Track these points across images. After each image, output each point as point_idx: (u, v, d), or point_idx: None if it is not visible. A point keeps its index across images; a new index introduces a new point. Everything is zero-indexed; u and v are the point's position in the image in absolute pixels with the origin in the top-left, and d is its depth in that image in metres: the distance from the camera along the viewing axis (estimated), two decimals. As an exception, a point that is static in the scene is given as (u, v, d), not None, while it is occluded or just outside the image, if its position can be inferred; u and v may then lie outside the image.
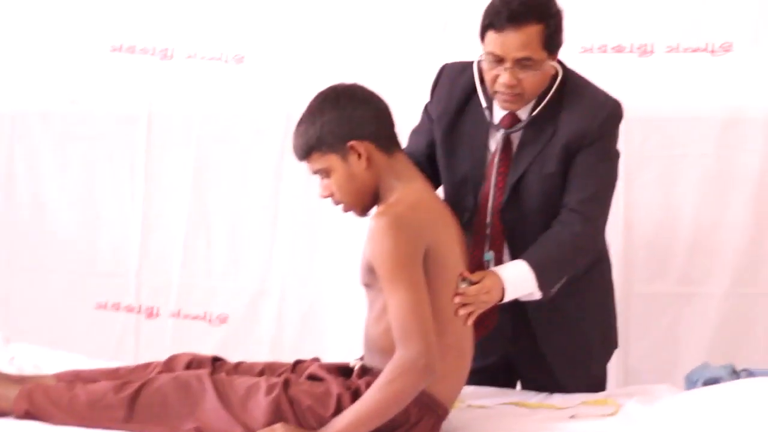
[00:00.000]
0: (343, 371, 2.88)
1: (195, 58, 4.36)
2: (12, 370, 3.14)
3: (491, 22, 2.89)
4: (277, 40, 4.28)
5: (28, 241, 4.49)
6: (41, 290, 4.45)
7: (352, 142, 2.79)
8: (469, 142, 3.06)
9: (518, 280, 2.89)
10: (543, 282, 2.91)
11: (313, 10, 4.25)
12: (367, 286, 2.84)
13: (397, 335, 2.67)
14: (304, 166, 2.90)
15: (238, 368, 2.95)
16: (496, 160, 3.02)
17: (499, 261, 3.01)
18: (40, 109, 4.46)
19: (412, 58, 4.09)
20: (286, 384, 2.74)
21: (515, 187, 3.00)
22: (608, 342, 3.30)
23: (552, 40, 2.91)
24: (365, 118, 2.81)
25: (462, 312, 2.79)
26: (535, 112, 2.99)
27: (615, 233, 3.85)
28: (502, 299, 2.88)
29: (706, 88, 3.95)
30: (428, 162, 3.14)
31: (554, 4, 2.94)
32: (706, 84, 3.95)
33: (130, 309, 4.43)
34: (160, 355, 3.04)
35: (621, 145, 3.11)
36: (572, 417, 2.95)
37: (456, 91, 3.08)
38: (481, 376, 3.13)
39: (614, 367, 3.66)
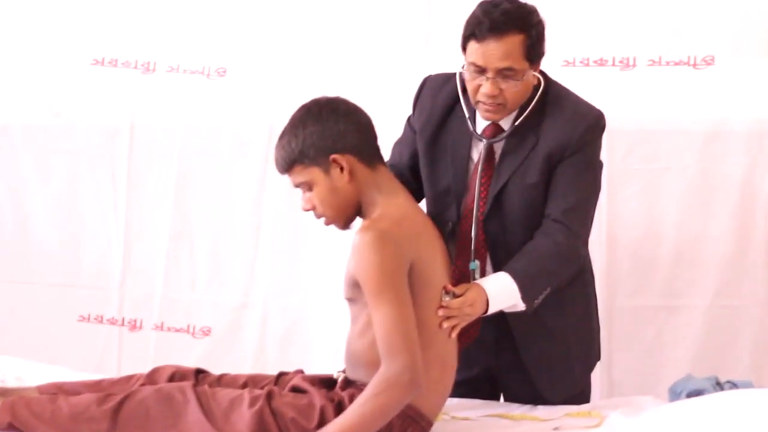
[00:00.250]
0: (327, 383, 2.88)
1: (177, 71, 4.35)
2: (-6, 382, 3.13)
3: (473, 32, 2.88)
4: (260, 52, 4.28)
5: (10, 254, 4.46)
6: (24, 302, 4.43)
7: (334, 156, 2.79)
8: (452, 153, 3.06)
9: (502, 292, 2.88)
10: (527, 294, 2.90)
11: (296, 22, 4.25)
12: (351, 300, 2.84)
13: (382, 350, 2.67)
14: (286, 179, 2.90)
15: (222, 380, 2.95)
16: (479, 170, 3.01)
17: (483, 271, 3.01)
18: (23, 122, 4.43)
19: (394, 70, 4.10)
20: (270, 396, 2.74)
21: (497, 198, 3.00)
22: (590, 354, 3.28)
23: (534, 50, 2.91)
24: (348, 131, 2.81)
25: (446, 325, 2.79)
26: (517, 122, 2.98)
27: (598, 246, 3.88)
28: (486, 312, 2.87)
29: (688, 101, 3.96)
30: (411, 173, 3.14)
31: (536, 15, 2.93)
32: (688, 97, 3.96)
33: (113, 321, 4.41)
34: (143, 368, 3.03)
35: (603, 157, 3.11)
36: (556, 429, 2.94)
37: (439, 103, 3.08)
38: (464, 388, 3.13)
39: (598, 379, 3.68)
